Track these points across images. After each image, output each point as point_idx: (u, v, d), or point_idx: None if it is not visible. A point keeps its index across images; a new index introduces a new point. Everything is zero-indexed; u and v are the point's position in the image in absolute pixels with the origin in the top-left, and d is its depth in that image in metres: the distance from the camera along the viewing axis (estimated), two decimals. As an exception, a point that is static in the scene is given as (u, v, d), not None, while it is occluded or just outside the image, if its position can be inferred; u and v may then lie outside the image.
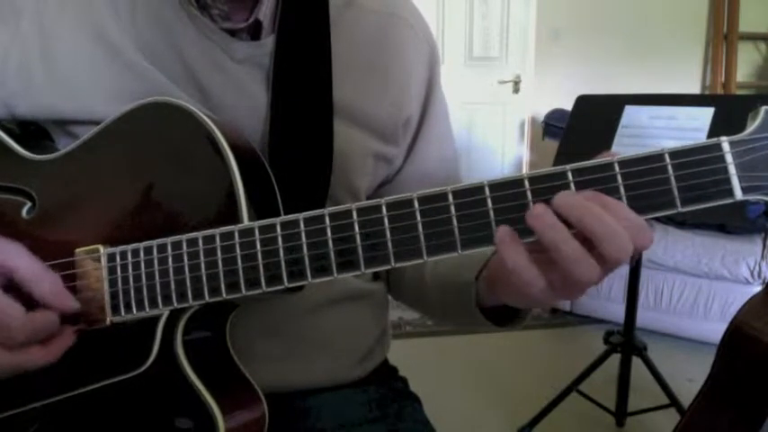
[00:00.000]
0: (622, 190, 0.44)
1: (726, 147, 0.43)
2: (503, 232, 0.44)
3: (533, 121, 3.71)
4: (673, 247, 2.48)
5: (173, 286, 0.53)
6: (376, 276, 0.80)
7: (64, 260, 0.56)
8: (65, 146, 0.61)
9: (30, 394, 0.57)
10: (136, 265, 0.54)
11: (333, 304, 0.72)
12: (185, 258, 0.53)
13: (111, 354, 0.56)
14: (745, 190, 0.42)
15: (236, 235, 0.52)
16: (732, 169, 0.42)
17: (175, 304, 0.53)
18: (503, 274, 0.52)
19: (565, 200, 0.43)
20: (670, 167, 0.43)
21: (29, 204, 0.60)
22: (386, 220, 0.48)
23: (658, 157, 0.43)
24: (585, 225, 0.42)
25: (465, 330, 2.74)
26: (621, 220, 0.42)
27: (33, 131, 0.66)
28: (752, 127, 0.43)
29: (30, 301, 0.52)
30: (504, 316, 0.61)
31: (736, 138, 0.43)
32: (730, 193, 0.42)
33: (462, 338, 2.66)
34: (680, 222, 2.54)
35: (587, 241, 0.42)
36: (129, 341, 0.56)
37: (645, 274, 2.29)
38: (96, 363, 0.56)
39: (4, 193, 0.60)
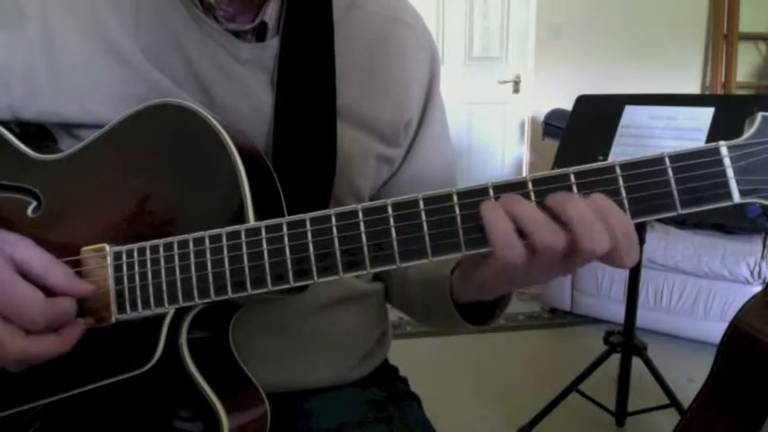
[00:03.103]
0: (623, 192, 0.45)
1: (724, 151, 0.44)
2: (486, 204, 0.45)
3: (533, 121, 3.71)
4: (673, 247, 2.48)
5: (179, 285, 0.54)
6: (376, 277, 0.81)
7: (70, 258, 0.56)
8: (68, 147, 0.61)
9: (33, 392, 0.57)
10: (142, 264, 0.55)
11: (334, 304, 0.73)
12: (192, 257, 0.53)
13: (115, 352, 0.56)
14: (742, 193, 0.43)
15: (243, 234, 0.52)
16: (730, 173, 0.43)
17: (181, 303, 0.54)
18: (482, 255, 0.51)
19: (554, 197, 0.45)
20: (670, 170, 0.44)
21: (34, 204, 0.60)
22: (391, 221, 0.48)
23: (659, 160, 0.44)
24: (566, 215, 0.43)
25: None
26: (618, 229, 0.43)
27: (33, 131, 0.66)
28: (749, 132, 0.44)
29: (44, 292, 0.52)
30: (478, 314, 0.62)
31: (734, 142, 0.44)
32: (729, 196, 0.43)
33: (462, 338, 2.66)
34: (680, 222, 2.54)
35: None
36: (134, 339, 0.56)
37: (645, 274, 2.30)
38: (101, 361, 0.57)
39: (10, 192, 0.61)
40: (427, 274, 0.66)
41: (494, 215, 0.45)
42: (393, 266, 0.48)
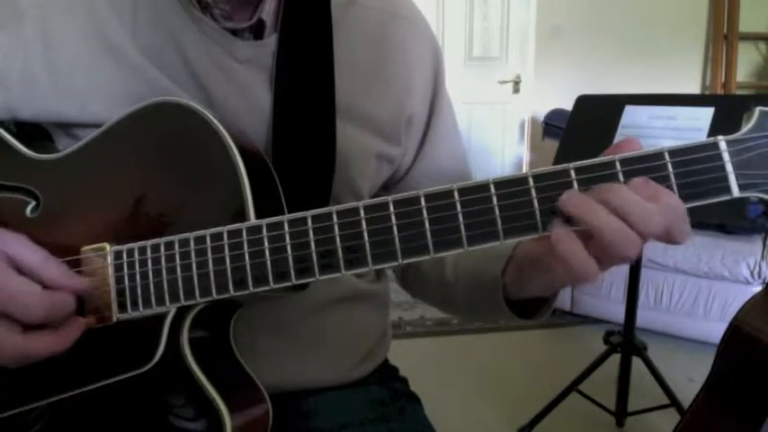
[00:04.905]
0: (624, 188, 0.45)
1: (723, 145, 0.44)
2: (557, 234, 0.45)
3: (533, 121, 3.71)
4: (673, 247, 2.48)
5: (180, 283, 0.53)
6: (378, 277, 0.80)
7: (70, 258, 0.56)
8: (66, 146, 0.61)
9: (35, 392, 0.57)
10: (143, 263, 0.55)
11: (335, 304, 0.72)
12: (193, 255, 0.53)
13: (117, 351, 0.56)
14: (741, 187, 0.44)
15: (245, 232, 0.52)
16: (729, 167, 0.44)
17: (183, 301, 0.54)
18: (541, 263, 0.51)
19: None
20: (670, 165, 0.44)
21: (33, 203, 0.60)
22: (393, 218, 0.48)
23: (658, 155, 0.45)
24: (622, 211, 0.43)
25: (465, 330, 2.74)
26: (664, 205, 0.43)
27: (30, 131, 0.65)
28: (747, 127, 0.44)
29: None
30: (528, 308, 0.61)
31: (732, 137, 0.44)
32: (727, 190, 0.44)
33: (462, 338, 2.66)
34: (680, 222, 2.54)
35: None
36: (136, 339, 0.56)
37: (645, 274, 2.30)
38: (102, 360, 0.56)
39: (8, 192, 0.60)
40: (472, 275, 0.65)
41: (579, 257, 0.44)
42: (395, 263, 0.49)
